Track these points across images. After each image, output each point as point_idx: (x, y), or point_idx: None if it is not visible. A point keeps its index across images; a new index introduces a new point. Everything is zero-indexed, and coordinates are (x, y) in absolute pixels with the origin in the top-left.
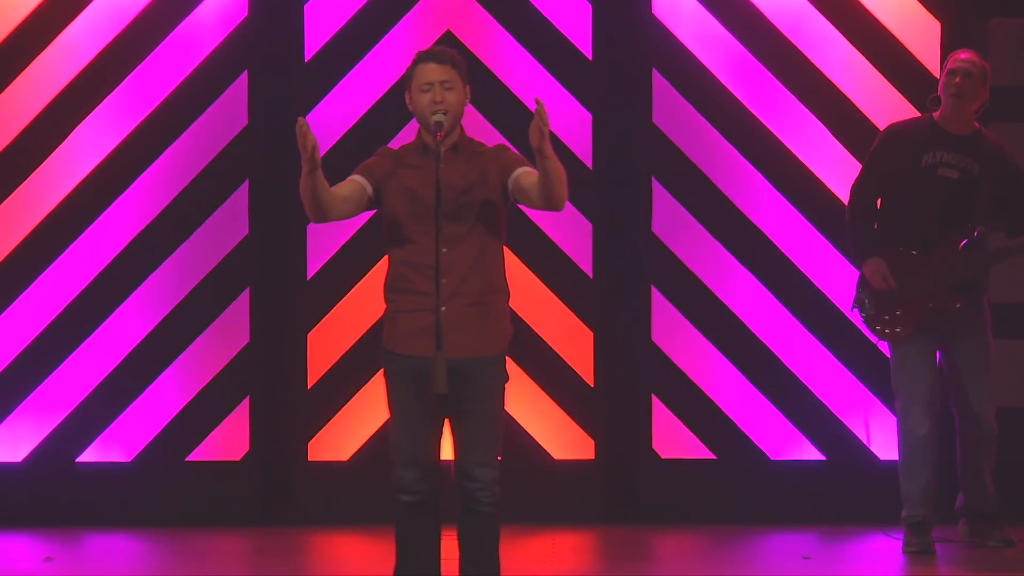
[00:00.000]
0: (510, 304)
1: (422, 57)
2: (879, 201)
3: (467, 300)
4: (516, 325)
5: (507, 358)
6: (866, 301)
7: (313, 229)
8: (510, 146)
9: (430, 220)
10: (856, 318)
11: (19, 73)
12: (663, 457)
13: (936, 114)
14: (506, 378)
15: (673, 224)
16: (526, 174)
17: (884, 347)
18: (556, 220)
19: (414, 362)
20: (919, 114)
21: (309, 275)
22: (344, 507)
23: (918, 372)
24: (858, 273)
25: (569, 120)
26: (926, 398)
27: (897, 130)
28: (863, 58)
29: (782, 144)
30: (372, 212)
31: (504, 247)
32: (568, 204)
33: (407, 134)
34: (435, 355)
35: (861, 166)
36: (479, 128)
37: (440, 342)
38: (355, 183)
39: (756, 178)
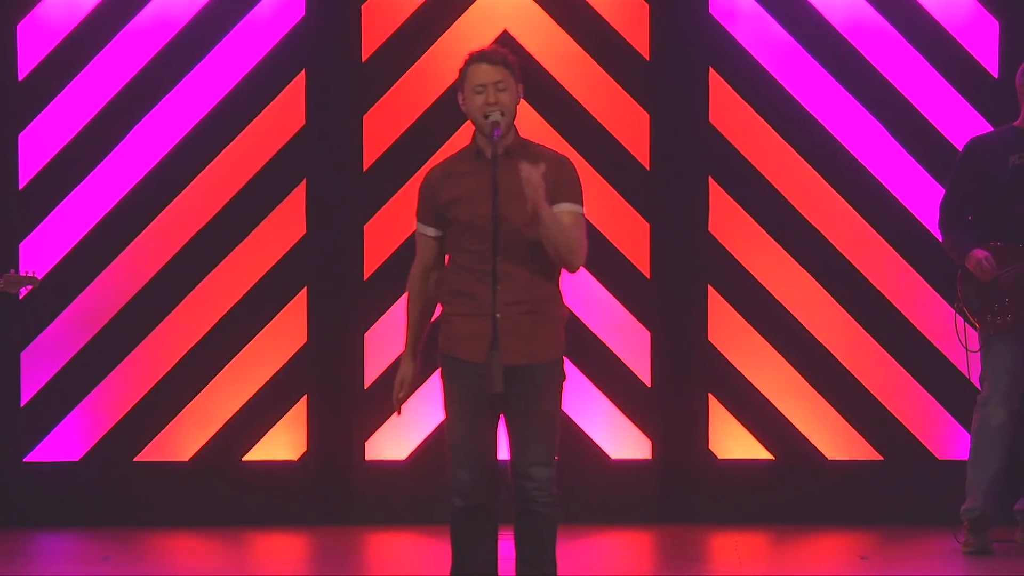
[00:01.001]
0: (567, 304)
1: (474, 58)
2: (970, 216)
3: (523, 307)
4: (573, 325)
5: (564, 358)
6: (972, 296)
7: (370, 229)
8: (570, 166)
9: (486, 226)
10: (921, 319)
11: (78, 72)
12: (720, 457)
13: (1017, 122)
14: (563, 378)
15: (730, 224)
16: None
17: (976, 361)
18: (613, 220)
19: (470, 366)
20: (975, 111)
21: (366, 275)
22: (401, 507)
23: (1004, 365)
24: (957, 277)
25: (626, 120)
26: (1005, 390)
27: (979, 141)
28: (921, 57)
29: (839, 143)
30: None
31: None
32: (625, 204)
33: (463, 135)
34: (491, 355)
35: (947, 184)
36: (536, 128)
37: (496, 343)
38: (428, 241)
39: (813, 177)
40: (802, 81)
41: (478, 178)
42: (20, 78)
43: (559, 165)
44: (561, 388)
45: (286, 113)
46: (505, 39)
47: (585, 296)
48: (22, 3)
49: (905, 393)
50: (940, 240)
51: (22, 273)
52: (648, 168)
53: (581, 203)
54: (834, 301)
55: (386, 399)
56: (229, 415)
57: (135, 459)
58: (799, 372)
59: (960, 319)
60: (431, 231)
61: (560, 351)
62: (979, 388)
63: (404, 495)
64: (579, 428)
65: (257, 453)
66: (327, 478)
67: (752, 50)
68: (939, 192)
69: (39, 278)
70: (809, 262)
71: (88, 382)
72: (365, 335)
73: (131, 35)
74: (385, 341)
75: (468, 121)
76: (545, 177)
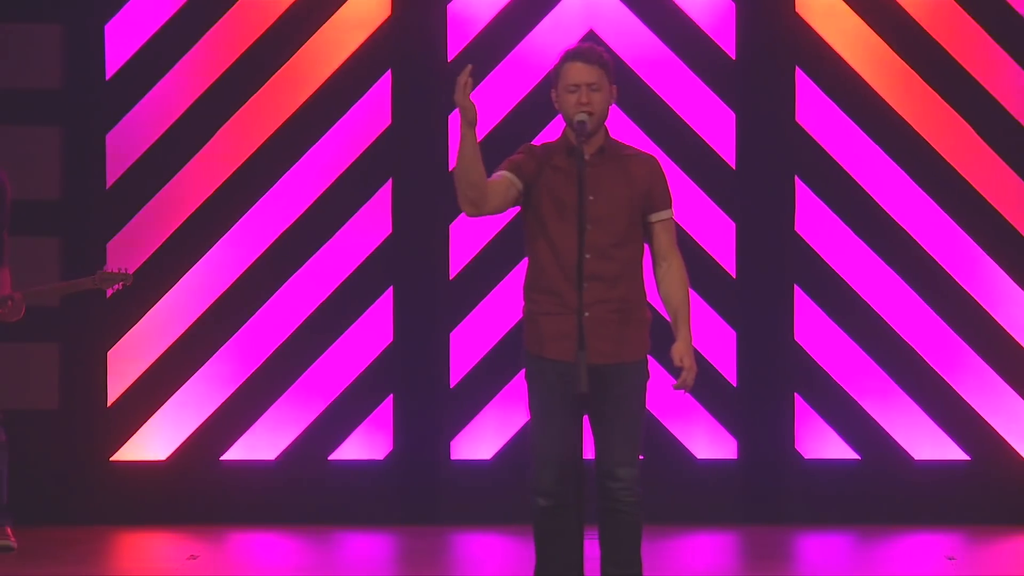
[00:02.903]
0: (653, 303)
1: (570, 56)
2: None
3: (610, 307)
4: (659, 324)
5: (649, 357)
6: None
7: (456, 228)
8: (660, 168)
9: (574, 225)
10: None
11: (165, 72)
12: (806, 457)
13: None
14: (648, 377)
15: (816, 223)
16: (659, 231)
17: None
18: (699, 219)
19: (557, 365)
20: None
21: (452, 274)
22: (486, 506)
23: None
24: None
25: (712, 119)
26: None
27: None
28: (1008, 57)
29: (926, 142)
30: (517, 209)
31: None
32: (711, 203)
33: (549, 133)
34: (577, 355)
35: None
36: (622, 127)
37: (583, 343)
38: (505, 181)
39: (900, 177)
40: (889, 80)
41: (568, 174)
42: (107, 77)
43: (651, 168)
44: (646, 388)
45: (372, 113)
46: (591, 39)
47: None
48: (110, 3)
49: (993, 393)
50: None
51: (114, 270)
52: (734, 168)
53: (672, 204)
54: (921, 301)
55: (472, 398)
56: (315, 414)
57: (221, 458)
58: (886, 372)
59: None
60: (515, 180)
61: (645, 351)
62: None
63: (490, 495)
64: (665, 428)
65: (343, 452)
66: (413, 478)
67: (839, 49)
68: None
69: (131, 274)
70: (896, 262)
71: (174, 381)
72: (451, 334)
73: (218, 35)
74: (471, 340)
75: (554, 121)
76: (637, 170)
